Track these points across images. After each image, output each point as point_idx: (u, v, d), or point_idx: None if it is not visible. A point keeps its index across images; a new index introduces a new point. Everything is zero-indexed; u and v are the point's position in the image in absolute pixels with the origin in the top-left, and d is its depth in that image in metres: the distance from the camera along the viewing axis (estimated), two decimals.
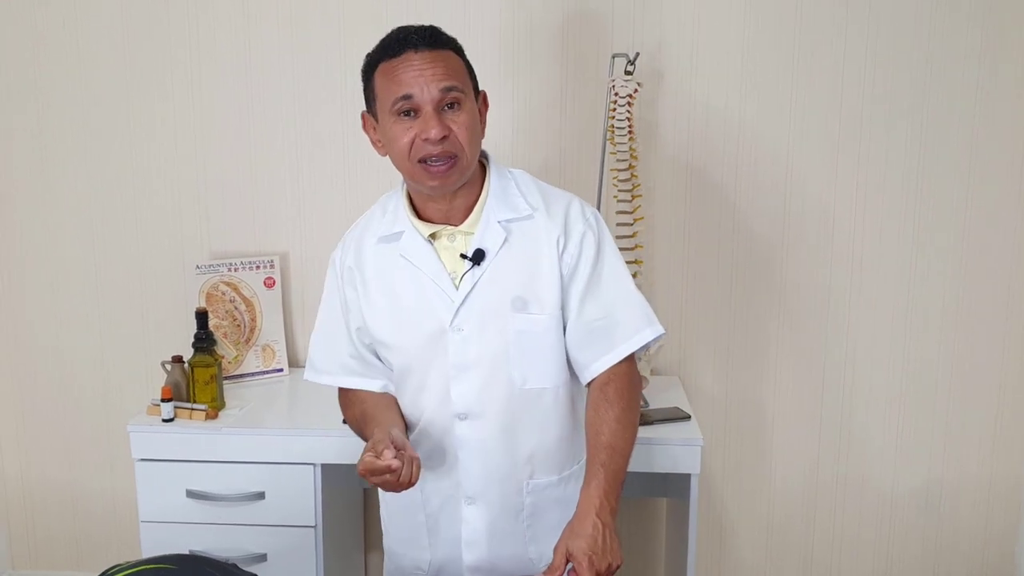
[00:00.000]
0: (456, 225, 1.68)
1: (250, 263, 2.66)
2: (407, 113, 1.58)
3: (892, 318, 2.64)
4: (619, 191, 2.40)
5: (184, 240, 2.74)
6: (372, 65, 1.63)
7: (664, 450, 2.19)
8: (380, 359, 1.79)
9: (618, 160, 2.39)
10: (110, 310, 2.79)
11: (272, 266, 2.69)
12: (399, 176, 2.64)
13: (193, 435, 2.28)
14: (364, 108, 1.70)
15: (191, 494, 2.28)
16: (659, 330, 1.69)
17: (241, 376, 2.64)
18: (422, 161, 1.58)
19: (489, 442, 1.69)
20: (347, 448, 2.28)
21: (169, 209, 2.73)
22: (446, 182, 1.61)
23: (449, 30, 2.53)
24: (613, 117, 2.37)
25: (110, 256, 2.76)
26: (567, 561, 1.53)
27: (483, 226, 1.66)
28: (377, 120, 1.65)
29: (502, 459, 1.70)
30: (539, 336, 1.66)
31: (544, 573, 1.54)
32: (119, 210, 2.74)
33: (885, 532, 2.76)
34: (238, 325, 2.64)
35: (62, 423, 2.87)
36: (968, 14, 2.48)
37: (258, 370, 2.66)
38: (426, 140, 1.56)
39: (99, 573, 1.38)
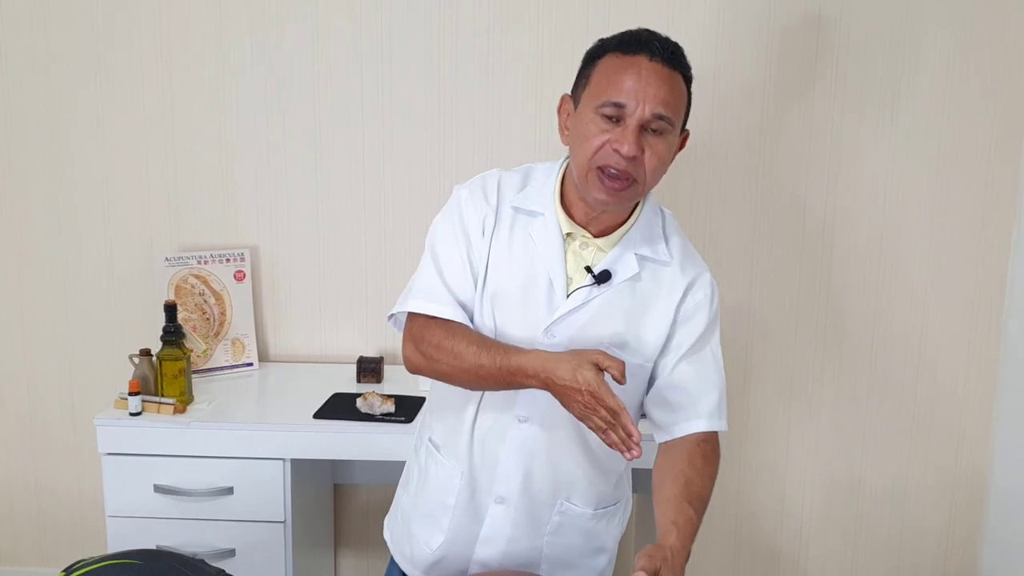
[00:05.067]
0: (593, 236, 1.61)
1: (220, 256, 2.64)
2: (610, 118, 1.50)
3: (859, 315, 2.67)
4: None
5: (153, 232, 2.71)
6: (600, 52, 1.56)
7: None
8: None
9: None
10: (77, 302, 2.76)
11: (242, 259, 2.67)
12: (374, 175, 2.67)
13: (161, 429, 2.26)
14: (569, 92, 1.62)
15: (159, 489, 2.26)
16: (726, 427, 1.64)
17: (210, 370, 2.62)
18: (601, 169, 1.51)
19: (538, 454, 1.66)
20: (316, 443, 2.28)
21: (138, 201, 2.70)
22: (613, 199, 1.54)
23: (422, 26, 2.57)
24: None
25: (78, 248, 2.73)
26: None
27: (620, 250, 1.61)
28: (576, 107, 1.57)
29: (544, 473, 1.67)
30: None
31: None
32: (87, 202, 2.71)
33: (851, 526, 2.79)
34: (207, 318, 2.62)
35: (28, 416, 2.83)
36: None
37: (227, 364, 2.64)
38: (615, 151, 1.49)
39: (63, 568, 1.37)
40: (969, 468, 2.74)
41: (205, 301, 2.63)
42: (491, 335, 1.63)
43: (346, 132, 2.64)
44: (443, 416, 1.76)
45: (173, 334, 2.38)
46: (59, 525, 2.89)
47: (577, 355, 1.49)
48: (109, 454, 2.28)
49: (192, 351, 2.50)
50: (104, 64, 2.64)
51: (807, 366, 2.70)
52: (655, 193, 1.67)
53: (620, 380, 1.45)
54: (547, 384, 1.51)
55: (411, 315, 1.67)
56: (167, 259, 2.60)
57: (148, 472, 2.27)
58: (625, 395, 1.62)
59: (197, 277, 2.62)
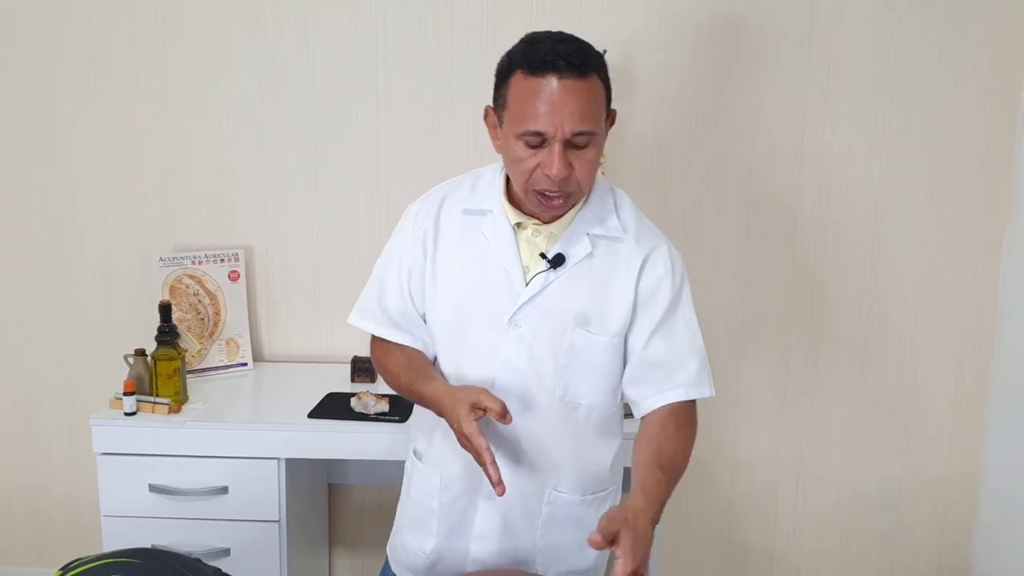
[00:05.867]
0: (544, 222, 1.64)
1: (215, 256, 2.65)
2: (533, 144, 1.52)
3: (852, 315, 2.68)
4: None
5: (148, 233, 2.71)
6: (510, 68, 1.55)
7: (627, 443, 2.19)
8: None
9: None
10: (73, 302, 2.76)
11: (237, 259, 2.67)
12: (368, 174, 2.67)
13: (156, 429, 2.27)
14: (490, 103, 1.64)
15: (154, 488, 2.26)
16: (712, 392, 1.68)
17: (205, 370, 2.62)
18: (537, 191, 1.55)
19: (520, 443, 1.68)
20: (311, 442, 2.28)
21: (133, 201, 2.70)
22: (554, 211, 1.60)
23: (416, 25, 2.58)
24: None
25: (73, 248, 2.73)
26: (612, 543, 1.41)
27: (571, 232, 1.64)
28: (501, 123, 1.59)
29: (529, 464, 1.69)
30: (591, 355, 1.65)
31: (593, 536, 1.39)
32: (82, 202, 2.71)
33: (844, 526, 2.80)
34: (202, 319, 2.63)
35: (23, 416, 2.83)
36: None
37: (222, 364, 2.65)
38: (546, 175, 1.51)
39: (60, 567, 1.37)
40: (962, 469, 2.74)
41: (199, 301, 2.63)
42: (452, 338, 1.70)
43: (341, 132, 2.64)
44: (422, 423, 1.80)
45: (168, 334, 2.39)
46: (54, 525, 2.89)
47: (463, 392, 1.56)
48: (104, 454, 2.28)
49: (187, 351, 2.51)
50: (100, 65, 2.64)
51: (800, 367, 2.71)
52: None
53: (501, 420, 1.51)
54: (439, 415, 1.61)
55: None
56: (161, 259, 2.60)
57: (143, 472, 2.27)
58: (596, 373, 1.66)
59: (192, 277, 2.62)
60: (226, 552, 2.28)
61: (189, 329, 2.60)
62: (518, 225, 1.65)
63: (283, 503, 2.28)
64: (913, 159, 2.59)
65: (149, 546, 2.17)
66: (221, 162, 2.68)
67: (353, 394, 2.37)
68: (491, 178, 1.71)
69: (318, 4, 2.58)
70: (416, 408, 1.81)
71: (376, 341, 1.79)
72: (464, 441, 1.54)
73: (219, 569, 1.45)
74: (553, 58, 1.48)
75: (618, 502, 1.84)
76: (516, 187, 1.60)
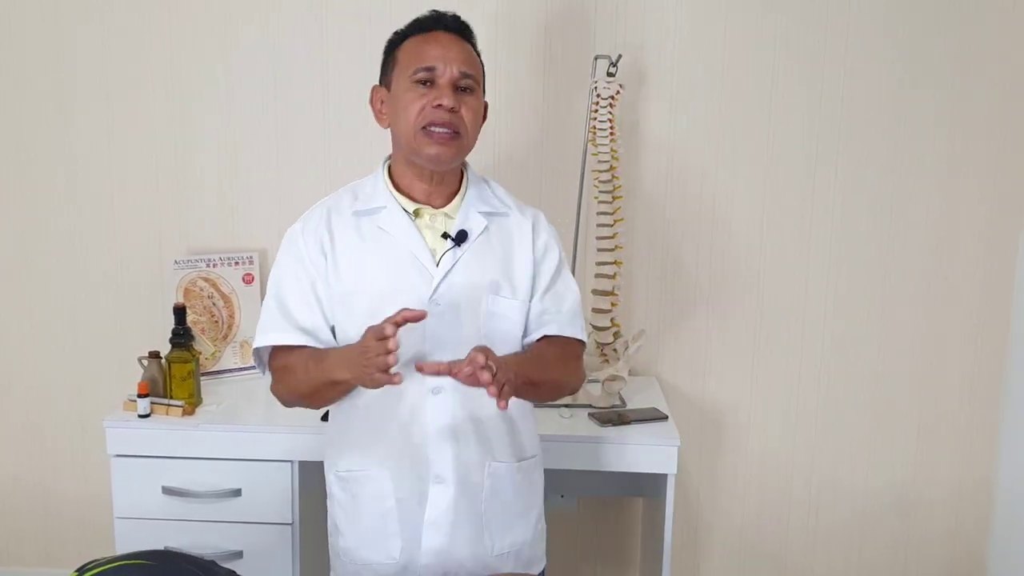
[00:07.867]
0: (436, 207, 1.74)
1: (229, 259, 2.65)
2: (424, 83, 1.66)
3: (865, 322, 2.67)
4: (600, 192, 2.41)
5: (162, 235, 2.72)
6: (400, 38, 1.74)
7: (641, 450, 2.21)
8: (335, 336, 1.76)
9: (599, 161, 2.41)
10: (87, 304, 2.77)
11: (251, 262, 2.68)
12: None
13: (170, 431, 2.27)
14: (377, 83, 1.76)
15: (167, 490, 2.27)
16: (583, 338, 1.83)
17: (219, 372, 2.62)
18: (427, 127, 1.65)
19: (458, 420, 1.72)
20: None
21: (148, 204, 2.72)
22: (445, 152, 1.67)
23: None
24: (595, 118, 2.39)
25: (88, 250, 2.75)
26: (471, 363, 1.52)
27: (464, 211, 1.75)
28: (389, 90, 1.72)
29: (469, 438, 1.74)
30: (508, 320, 1.75)
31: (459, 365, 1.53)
32: (97, 205, 2.72)
33: (857, 532, 2.79)
34: (216, 321, 2.63)
35: (37, 418, 2.84)
36: (943, 32, 2.52)
37: (236, 367, 2.65)
38: (437, 107, 1.64)
39: (76, 568, 1.37)
40: (975, 475, 2.73)
41: (214, 304, 2.64)
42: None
43: (353, 135, 2.65)
44: (345, 441, 1.80)
45: (182, 336, 2.39)
46: (67, 526, 2.90)
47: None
48: (118, 456, 2.29)
49: (201, 353, 2.51)
50: (113, 70, 2.66)
51: (813, 372, 2.71)
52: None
53: (417, 319, 1.52)
54: (348, 365, 1.58)
55: (269, 355, 1.78)
56: (176, 262, 2.61)
57: (156, 474, 2.28)
58: (515, 338, 1.76)
59: (206, 280, 2.63)
60: (239, 554, 2.28)
61: (203, 331, 2.61)
62: (415, 213, 1.72)
63: (296, 506, 2.28)
64: (925, 160, 2.58)
65: (163, 548, 2.18)
66: (235, 165, 2.69)
67: None
68: (374, 180, 1.79)
69: (330, 8, 2.59)
70: (336, 433, 1.83)
71: (276, 355, 1.76)
72: (376, 348, 1.51)
73: (233, 571, 1.45)
74: (439, 19, 1.72)
75: (542, 471, 1.89)
76: (404, 135, 1.68)
